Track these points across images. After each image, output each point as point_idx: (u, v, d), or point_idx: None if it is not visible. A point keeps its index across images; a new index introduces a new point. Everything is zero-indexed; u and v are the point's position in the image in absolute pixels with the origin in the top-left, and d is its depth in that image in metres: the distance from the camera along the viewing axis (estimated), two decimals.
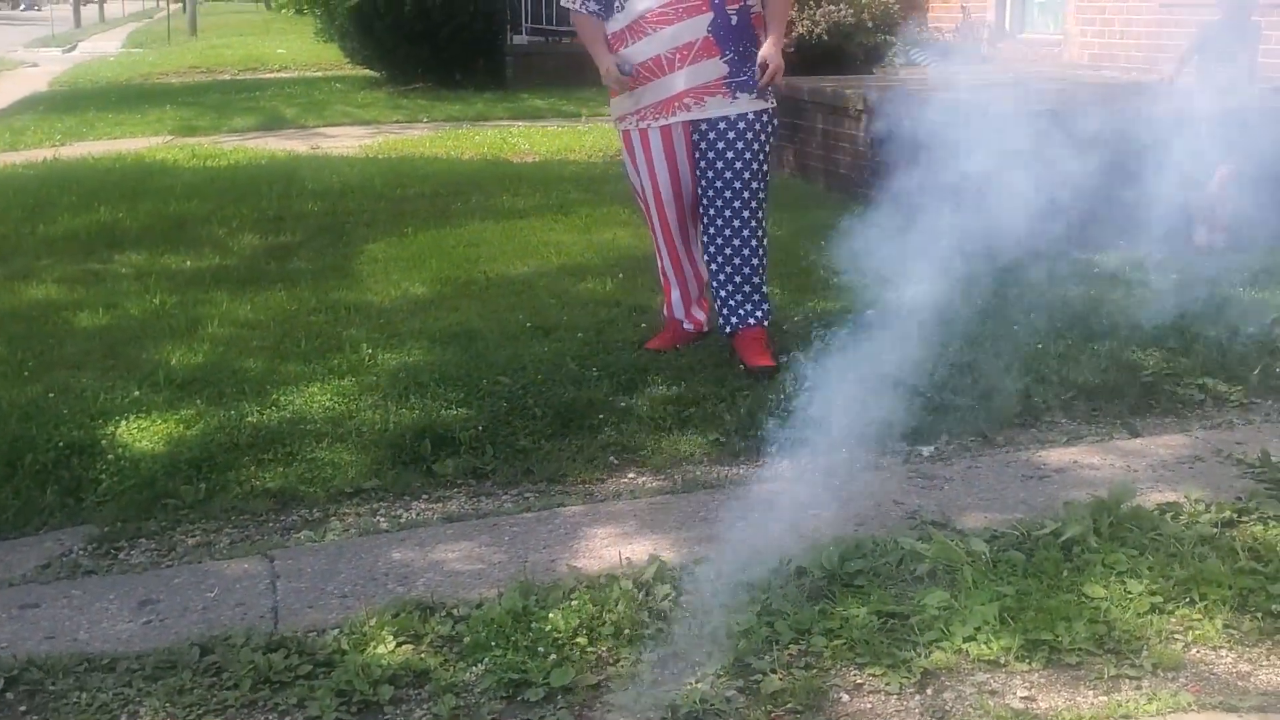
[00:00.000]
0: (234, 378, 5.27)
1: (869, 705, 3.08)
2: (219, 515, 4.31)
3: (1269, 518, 3.93)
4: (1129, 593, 3.48)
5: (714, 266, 5.39)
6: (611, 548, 3.91)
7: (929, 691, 3.13)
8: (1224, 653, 3.26)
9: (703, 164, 5.28)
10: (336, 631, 3.44)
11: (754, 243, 5.34)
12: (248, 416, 4.91)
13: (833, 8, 11.36)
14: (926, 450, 4.66)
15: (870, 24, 12.03)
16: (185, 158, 11.61)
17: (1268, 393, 5.14)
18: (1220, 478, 4.29)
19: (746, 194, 5.28)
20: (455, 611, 3.54)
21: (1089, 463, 4.47)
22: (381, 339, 5.72)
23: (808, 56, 11.15)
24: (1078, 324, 5.75)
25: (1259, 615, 3.37)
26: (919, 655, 3.25)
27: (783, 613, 3.45)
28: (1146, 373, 5.22)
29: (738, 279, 5.37)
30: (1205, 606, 3.41)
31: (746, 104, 5.22)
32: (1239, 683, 3.13)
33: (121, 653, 3.40)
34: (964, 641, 3.28)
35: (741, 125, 5.21)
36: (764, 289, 5.43)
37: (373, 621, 3.47)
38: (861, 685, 3.16)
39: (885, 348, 5.39)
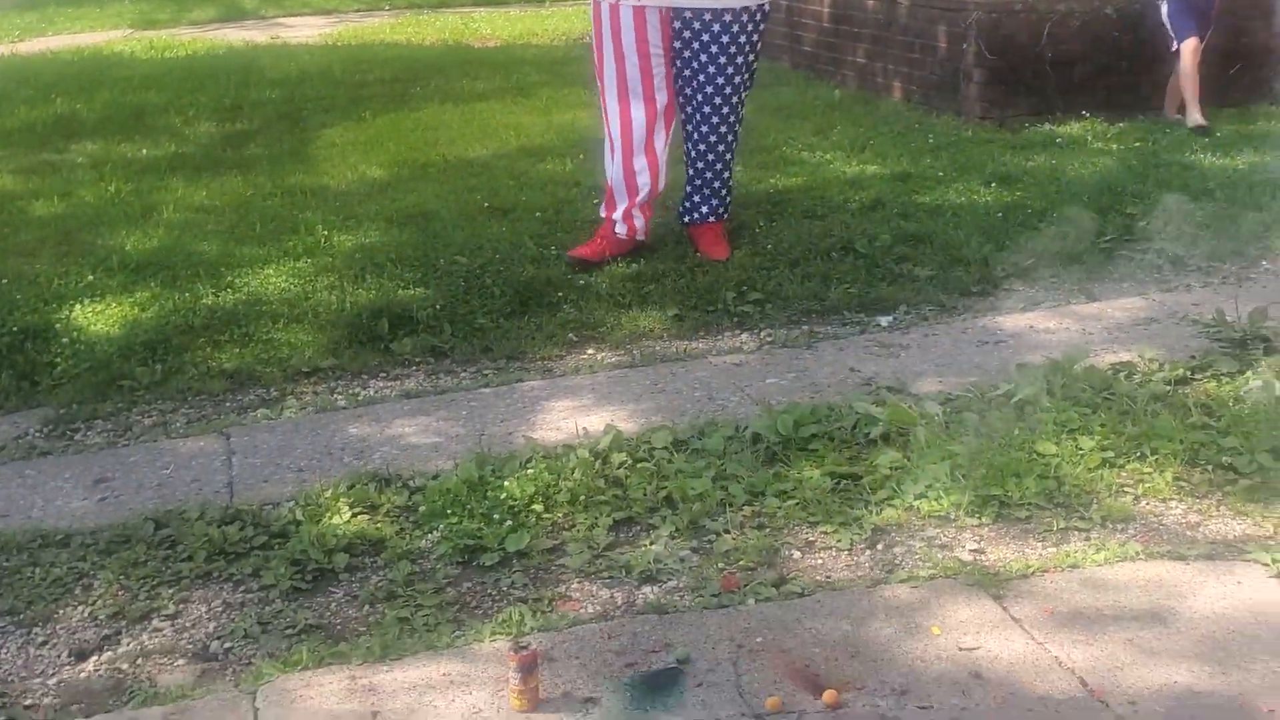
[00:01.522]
0: (188, 261, 5.22)
1: (820, 561, 3.10)
2: (175, 396, 4.29)
3: (1222, 374, 3.95)
4: (1080, 449, 3.49)
5: (686, 159, 5.16)
6: (569, 420, 3.91)
7: (879, 547, 3.15)
8: (1174, 505, 3.28)
9: (683, 59, 4.93)
10: (291, 504, 3.44)
11: (727, 141, 5.08)
12: (203, 299, 4.88)
13: None
14: (885, 320, 4.66)
15: None
16: (143, 50, 11.43)
17: (1227, 256, 5.14)
18: (1175, 338, 4.30)
19: (728, 93, 4.96)
20: (411, 483, 3.55)
21: (1044, 327, 4.48)
22: (338, 221, 5.67)
23: None
24: (1040, 192, 5.72)
25: (1209, 468, 3.40)
26: (870, 513, 3.27)
27: (737, 476, 3.46)
28: (1107, 238, 5.21)
29: (707, 175, 5.14)
30: (1156, 460, 3.43)
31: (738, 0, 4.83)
32: (1188, 533, 3.15)
33: (76, 528, 3.41)
34: (915, 499, 3.30)
35: (728, 18, 4.82)
36: (730, 184, 5.22)
37: (328, 493, 3.47)
38: (813, 543, 3.18)
39: (844, 223, 5.39)
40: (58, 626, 3.02)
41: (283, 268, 5.13)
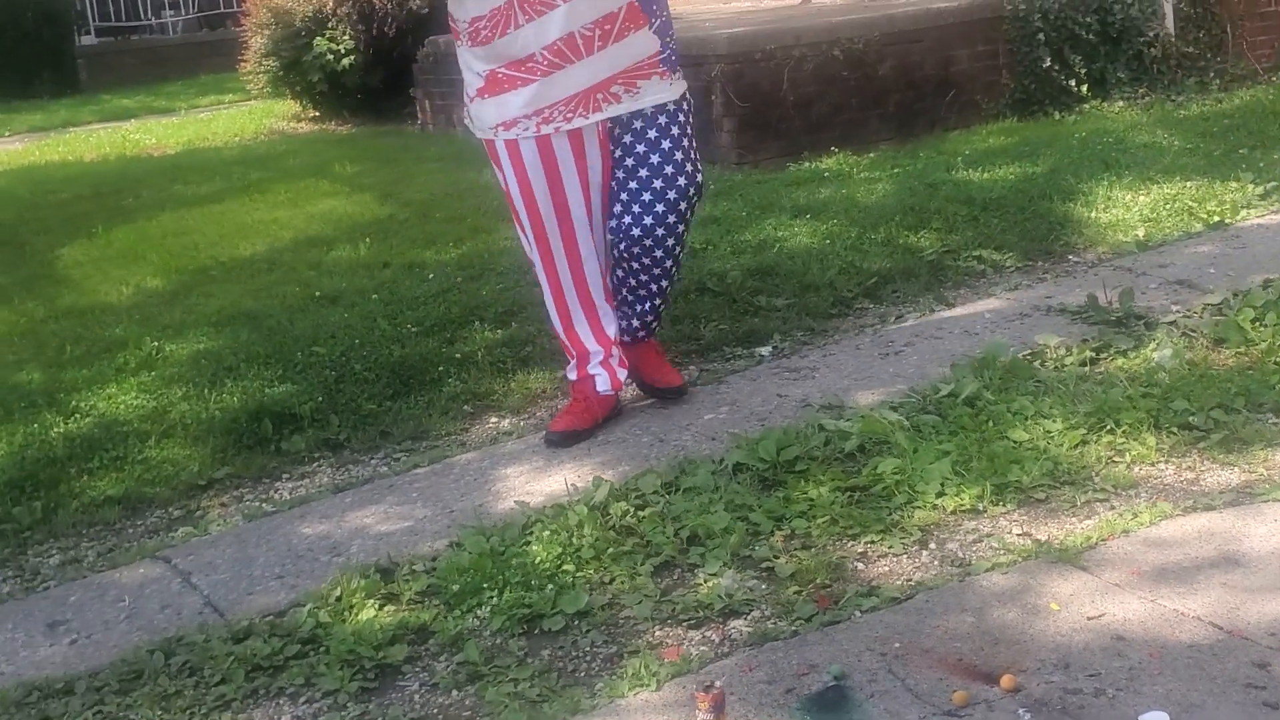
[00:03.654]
0: (15, 394, 4.79)
1: (887, 568, 3.14)
2: (68, 532, 3.94)
3: (1124, 351, 4.23)
4: (1049, 432, 3.67)
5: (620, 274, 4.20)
6: (531, 485, 3.81)
7: (932, 546, 3.22)
8: (1163, 466, 3.50)
9: (630, 164, 3.98)
10: (307, 609, 3.21)
11: (674, 254, 4.12)
12: (53, 428, 4.49)
13: None
14: (765, 350, 4.75)
15: None
16: None
17: (1036, 255, 5.51)
18: (1054, 326, 4.57)
19: (675, 196, 4.00)
20: (416, 568, 3.38)
21: (930, 333, 4.67)
22: (154, 332, 5.31)
23: (442, 15, 10.96)
24: (849, 219, 5.97)
25: (1175, 430, 3.63)
26: (903, 518, 3.34)
27: (748, 505, 3.46)
28: (928, 253, 5.49)
29: (651, 298, 4.21)
30: (1125, 431, 3.64)
31: (679, 85, 4.00)
32: (1193, 488, 3.37)
33: (65, 675, 3.07)
34: (936, 498, 3.39)
35: (672, 108, 3.97)
36: (669, 297, 4.32)
37: (337, 591, 3.26)
38: (865, 554, 3.22)
39: (689, 265, 5.46)
40: None
41: (125, 385, 4.77)
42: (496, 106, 3.93)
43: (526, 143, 3.91)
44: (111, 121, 14.22)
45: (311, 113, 12.05)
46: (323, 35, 11.09)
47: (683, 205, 4.02)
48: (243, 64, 12.21)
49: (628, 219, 4.01)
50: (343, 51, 11.01)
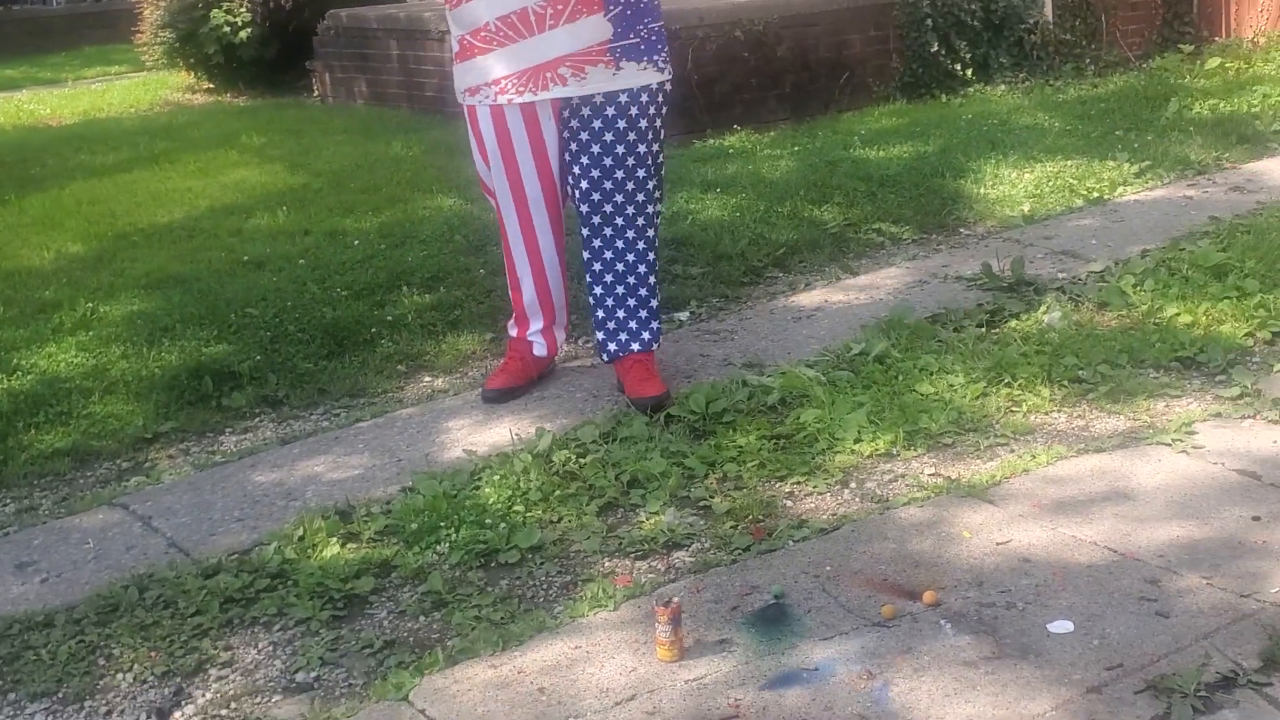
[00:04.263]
0: None
1: (813, 504, 3.44)
2: (20, 482, 4.08)
3: (1016, 314, 4.59)
4: (953, 386, 4.00)
5: (590, 279, 4.21)
6: (473, 436, 4.04)
7: (853, 485, 3.52)
8: (1056, 415, 3.85)
9: (574, 149, 4.07)
10: (272, 546, 3.41)
11: (642, 249, 4.15)
12: None
13: None
14: (683, 315, 5.02)
15: None
16: None
17: (931, 229, 5.87)
18: (951, 292, 4.92)
19: (633, 189, 4.06)
20: (373, 509, 3.60)
21: (838, 299, 4.99)
22: (85, 294, 5.43)
23: None
24: (756, 193, 6.26)
25: (1066, 383, 3.99)
26: (825, 461, 3.64)
27: (681, 452, 3.74)
28: (831, 226, 5.81)
29: (622, 294, 4.19)
30: (1021, 384, 3.98)
31: (634, 76, 3.97)
32: (1084, 434, 3.72)
33: (44, 609, 3.24)
34: (854, 444, 3.70)
35: (624, 100, 3.97)
36: (654, 303, 4.24)
37: (299, 531, 3.47)
38: (793, 493, 3.51)
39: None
40: (109, 696, 2.90)
41: (64, 345, 4.90)
42: (463, 72, 4.12)
43: (483, 109, 4.07)
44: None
45: (205, 85, 12.06)
46: (219, 8, 11.12)
47: (630, 208, 4.10)
48: (137, 35, 12.18)
49: (593, 220, 4.13)
50: (239, 24, 11.06)
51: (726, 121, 7.83)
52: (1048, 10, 8.96)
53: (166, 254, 5.98)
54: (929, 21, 8.57)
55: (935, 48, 8.61)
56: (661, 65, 4.04)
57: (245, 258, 5.71)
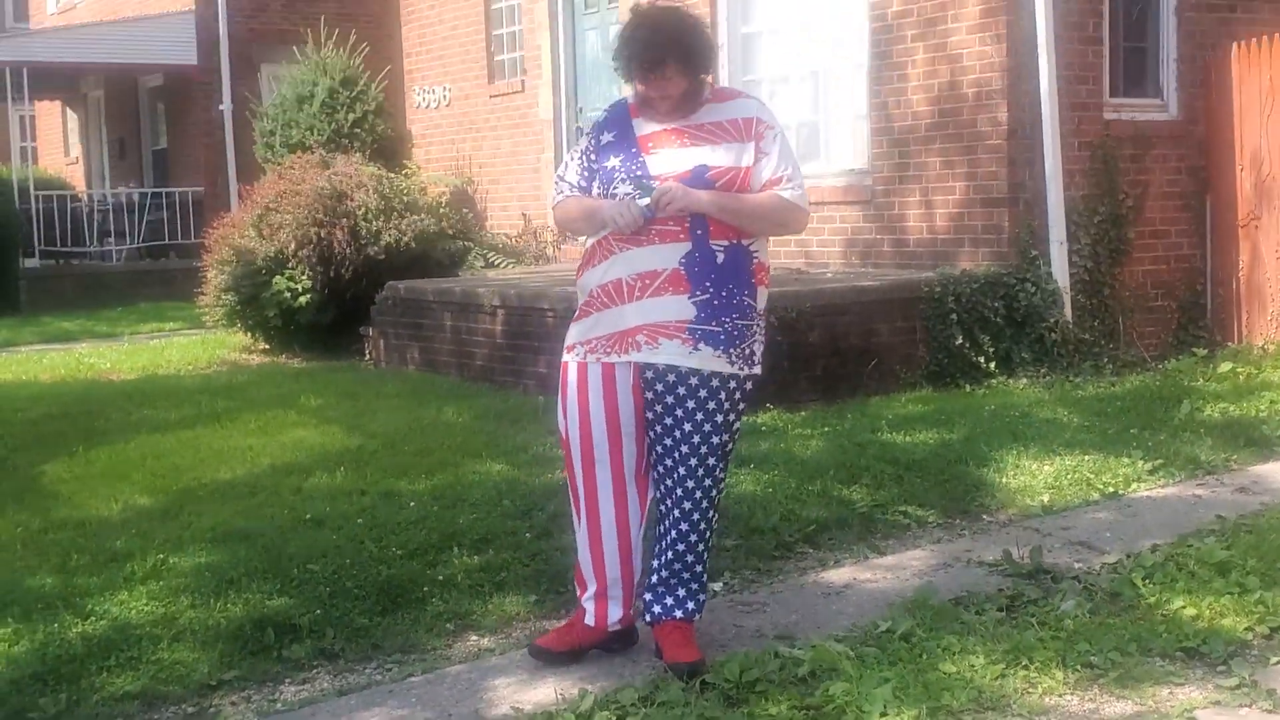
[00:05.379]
0: (30, 596, 5.20)
1: None
2: None
3: (1034, 600, 4.87)
4: (973, 666, 4.27)
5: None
6: (520, 695, 4.31)
7: None
8: (1069, 697, 4.10)
9: (651, 416, 4.42)
10: None
11: (701, 524, 4.43)
12: (71, 629, 4.91)
13: (417, 218, 12.11)
14: (717, 586, 5.31)
15: (450, 231, 12.87)
16: None
17: (955, 514, 6.19)
18: (973, 576, 5.22)
19: (695, 464, 4.37)
20: None
21: (865, 578, 5.29)
22: (154, 545, 5.77)
23: (397, 262, 11.81)
24: (789, 471, 6.61)
25: (1078, 668, 4.25)
26: None
27: (716, 718, 3.99)
28: (860, 506, 6.14)
29: (671, 559, 4.47)
30: (1037, 667, 4.25)
31: (709, 360, 4.31)
32: (1094, 716, 3.97)
33: None
34: (880, 717, 3.95)
35: (695, 382, 4.33)
36: (703, 576, 4.53)
37: None
38: None
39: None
40: None
41: (135, 592, 5.21)
42: (570, 331, 4.55)
43: (572, 365, 4.48)
44: (53, 343, 14.77)
45: (262, 345, 12.68)
46: (282, 274, 11.78)
47: (691, 482, 4.42)
48: (200, 296, 12.85)
49: (666, 483, 4.47)
50: (300, 290, 11.71)
51: (760, 400, 8.23)
52: (1067, 310, 9.45)
53: (231, 509, 6.34)
54: (954, 316, 9.06)
55: (960, 340, 9.08)
56: (735, 360, 4.36)
57: (307, 515, 6.06)
